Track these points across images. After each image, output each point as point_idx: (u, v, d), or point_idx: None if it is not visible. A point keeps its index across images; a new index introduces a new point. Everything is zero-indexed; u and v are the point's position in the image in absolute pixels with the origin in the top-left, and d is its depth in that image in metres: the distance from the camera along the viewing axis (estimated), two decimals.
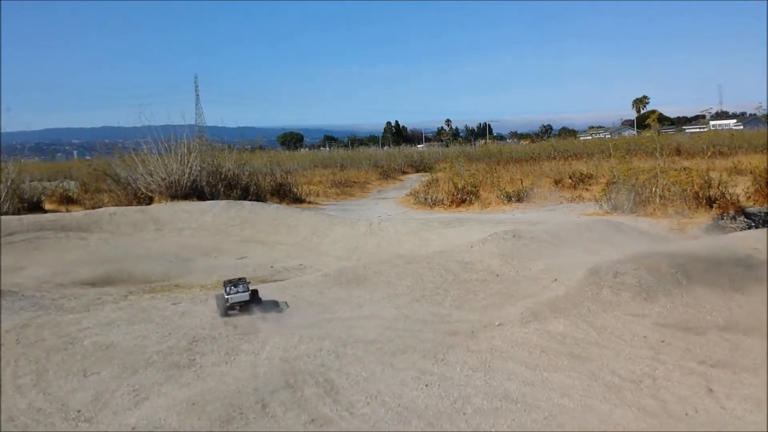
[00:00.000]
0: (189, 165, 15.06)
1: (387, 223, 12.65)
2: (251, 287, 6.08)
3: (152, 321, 5.86)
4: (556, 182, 18.90)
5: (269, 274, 9.71)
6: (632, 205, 11.87)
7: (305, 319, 5.75)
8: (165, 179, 14.79)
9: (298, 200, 20.07)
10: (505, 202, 16.33)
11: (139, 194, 15.38)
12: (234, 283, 6.05)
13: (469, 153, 42.31)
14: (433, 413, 3.79)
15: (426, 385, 4.20)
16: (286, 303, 6.19)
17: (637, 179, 12.37)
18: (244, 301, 5.93)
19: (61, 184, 22.66)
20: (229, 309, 5.91)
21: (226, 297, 5.91)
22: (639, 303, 5.20)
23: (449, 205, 16.81)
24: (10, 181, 15.18)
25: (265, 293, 6.56)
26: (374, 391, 4.13)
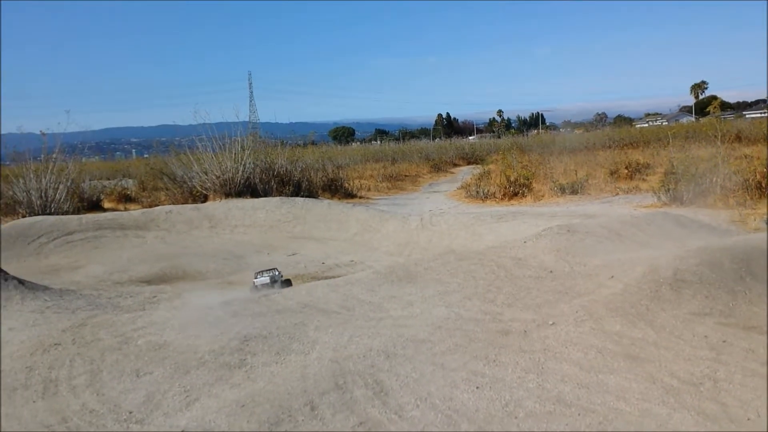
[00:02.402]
0: (243, 162, 15.24)
1: (438, 218, 12.57)
2: (282, 277, 8.06)
3: (205, 320, 5.92)
4: (612, 173, 18.45)
5: (320, 270, 9.76)
6: (691, 196, 11.49)
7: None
8: (219, 177, 15.00)
9: (349, 195, 20.14)
10: (559, 194, 16.03)
11: (194, 192, 15.65)
12: (262, 272, 7.97)
13: (521, 144, 41.74)
14: (484, 417, 3.72)
15: (477, 387, 4.12)
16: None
17: (696, 169, 11.96)
18: (265, 283, 7.72)
19: (119, 183, 23.28)
20: (252, 289, 7.71)
21: (253, 281, 7.83)
22: (700, 301, 5.00)
23: (501, 198, 16.61)
24: (70, 181, 15.62)
25: (316, 292, 6.60)
26: (424, 393, 4.08)
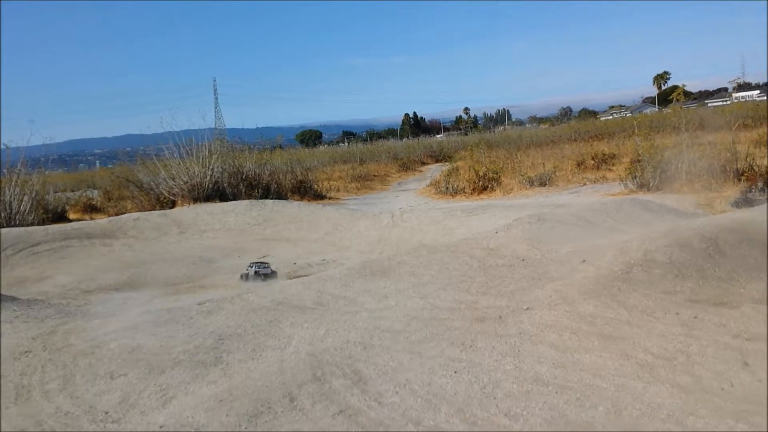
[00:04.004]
0: (210, 167, 15.10)
1: (409, 215, 12.60)
2: (268, 270, 8.82)
3: (178, 322, 5.85)
4: (579, 164, 18.68)
5: (292, 270, 9.70)
6: (658, 182, 11.67)
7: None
8: (187, 182, 14.86)
9: (319, 197, 20.08)
10: (528, 186, 16.18)
11: (161, 198, 15.47)
12: (254, 263, 8.94)
13: (488, 140, 41.98)
14: (463, 399, 3.73)
15: (455, 372, 4.13)
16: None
17: (662, 156, 12.15)
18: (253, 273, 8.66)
19: (84, 194, 22.91)
20: (243, 276, 8.71)
21: (245, 271, 8.85)
22: (670, 280, 5.08)
23: (471, 193, 16.71)
24: (34, 193, 15.35)
25: (290, 290, 6.59)
26: (402, 380, 4.08)
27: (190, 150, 15.68)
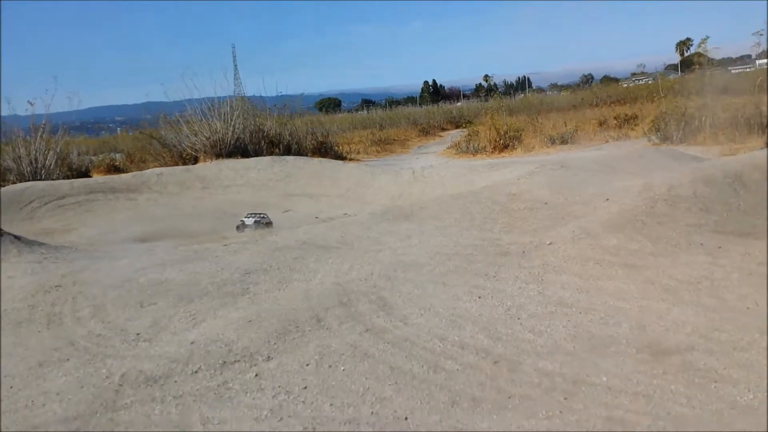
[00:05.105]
0: (232, 124, 15.16)
1: (430, 171, 12.58)
2: (267, 219, 9.26)
3: (205, 259, 5.95)
4: (601, 123, 18.48)
5: (315, 224, 9.77)
6: (682, 135, 11.55)
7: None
8: (209, 138, 14.93)
9: (339, 158, 20.04)
10: (549, 145, 16.07)
11: (184, 155, 15.57)
12: (251, 214, 9.31)
13: (508, 105, 41.57)
14: (488, 320, 3.77)
15: (479, 297, 4.18)
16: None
17: (685, 109, 12.01)
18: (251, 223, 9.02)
19: (108, 156, 23.09)
20: (239, 227, 9.01)
21: (242, 219, 9.20)
22: (695, 214, 5.07)
23: (492, 152, 16.64)
24: (59, 148, 15.51)
25: (314, 231, 6.65)
26: (427, 304, 4.13)
27: (212, 107, 15.72)
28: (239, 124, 15.32)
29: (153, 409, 3.01)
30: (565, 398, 2.76)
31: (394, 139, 29.45)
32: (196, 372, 3.38)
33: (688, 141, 11.33)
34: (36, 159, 14.50)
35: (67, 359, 3.74)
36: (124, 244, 9.06)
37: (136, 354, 3.74)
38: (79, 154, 20.45)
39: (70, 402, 3.16)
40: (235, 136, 15.07)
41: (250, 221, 9.05)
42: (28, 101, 15.81)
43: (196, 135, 15.14)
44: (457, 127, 40.01)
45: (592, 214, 5.71)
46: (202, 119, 15.32)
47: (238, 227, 9.09)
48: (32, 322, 4.57)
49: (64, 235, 9.98)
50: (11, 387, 3.42)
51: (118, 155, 24.28)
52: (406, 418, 2.73)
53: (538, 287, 4.27)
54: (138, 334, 4.09)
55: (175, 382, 3.28)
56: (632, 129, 17.32)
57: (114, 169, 20.24)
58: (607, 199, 5.96)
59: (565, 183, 7.33)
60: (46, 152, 14.74)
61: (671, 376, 2.86)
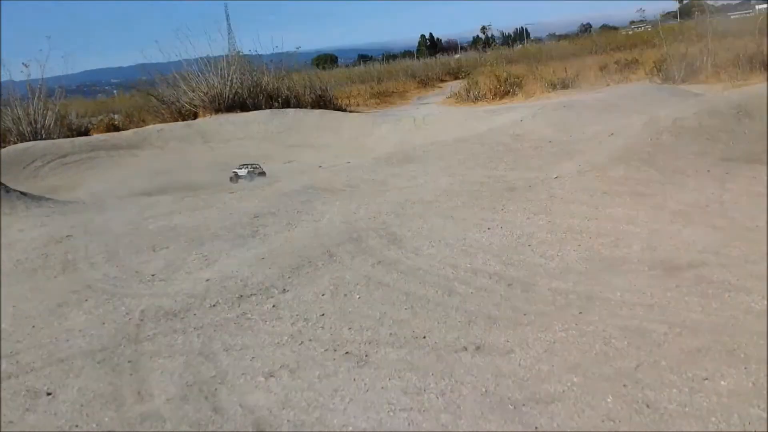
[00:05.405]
0: (229, 79, 15.05)
1: (431, 118, 12.55)
2: (261, 169, 9.48)
3: (212, 207, 5.99)
4: (602, 68, 18.28)
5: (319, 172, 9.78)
6: (684, 74, 11.47)
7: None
8: (207, 93, 14.84)
9: (339, 110, 19.92)
10: (550, 90, 15.95)
11: (183, 111, 15.51)
12: (243, 165, 9.50)
13: (507, 56, 41.10)
14: (498, 248, 3.82)
15: (488, 229, 4.22)
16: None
17: (687, 49, 11.90)
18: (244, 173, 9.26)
19: (106, 116, 22.94)
20: (232, 177, 9.20)
21: (234, 170, 9.36)
22: (701, 143, 5.08)
23: (492, 99, 16.53)
24: (57, 108, 15.42)
25: (318, 176, 6.66)
26: (437, 237, 4.17)
27: (209, 64, 15.58)
28: (236, 79, 15.20)
29: (175, 339, 3.07)
30: (580, 312, 2.81)
31: (393, 92, 29.22)
32: (214, 305, 3.44)
33: (690, 80, 11.27)
34: (35, 120, 14.43)
35: (86, 300, 3.80)
36: (130, 198, 9.09)
37: (154, 292, 3.80)
38: (77, 116, 20.33)
39: (93, 337, 3.22)
40: (233, 90, 14.97)
41: (243, 172, 9.24)
42: (23, 63, 15.67)
43: (193, 91, 15.05)
44: (456, 78, 39.54)
45: (597, 149, 5.72)
46: (199, 75, 15.20)
47: (231, 178, 9.23)
48: (47, 269, 4.62)
49: (70, 192, 10.02)
50: (33, 326, 3.48)
51: (116, 116, 24.13)
52: (424, 337, 2.79)
53: (547, 217, 4.31)
54: (153, 275, 4.15)
55: (195, 315, 3.35)
56: (633, 73, 17.16)
57: (114, 128, 20.14)
58: (612, 134, 5.96)
59: (569, 122, 7.33)
60: (44, 113, 14.66)
61: (685, 288, 2.91)
